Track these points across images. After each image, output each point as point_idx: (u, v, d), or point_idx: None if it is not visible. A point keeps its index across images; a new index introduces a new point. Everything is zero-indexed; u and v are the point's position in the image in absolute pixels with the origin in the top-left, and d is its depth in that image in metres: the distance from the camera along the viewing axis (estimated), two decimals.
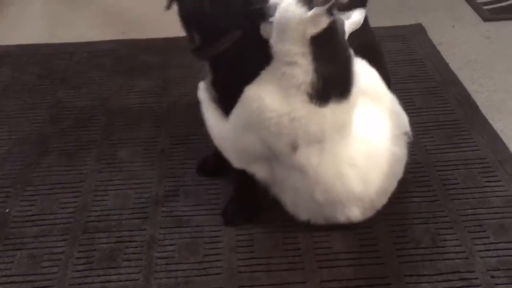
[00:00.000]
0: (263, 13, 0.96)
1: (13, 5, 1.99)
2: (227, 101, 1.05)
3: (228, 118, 1.06)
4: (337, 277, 1.02)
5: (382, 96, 1.15)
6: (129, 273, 1.03)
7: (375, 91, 1.12)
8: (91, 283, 1.01)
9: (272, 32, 0.97)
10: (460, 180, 1.22)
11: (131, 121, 1.43)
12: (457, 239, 1.08)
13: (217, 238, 1.10)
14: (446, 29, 1.77)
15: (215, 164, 1.25)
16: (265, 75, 1.00)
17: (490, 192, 1.18)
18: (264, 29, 0.99)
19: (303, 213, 1.09)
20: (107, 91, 1.53)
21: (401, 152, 1.11)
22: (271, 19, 0.96)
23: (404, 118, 1.16)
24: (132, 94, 1.52)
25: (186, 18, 1.02)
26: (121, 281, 1.02)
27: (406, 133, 1.13)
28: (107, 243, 1.09)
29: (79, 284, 1.01)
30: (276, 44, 0.97)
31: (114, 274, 1.03)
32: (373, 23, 1.69)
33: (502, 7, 1.88)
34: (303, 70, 0.95)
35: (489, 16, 1.82)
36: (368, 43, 1.21)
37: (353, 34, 1.09)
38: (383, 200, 1.11)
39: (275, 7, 0.95)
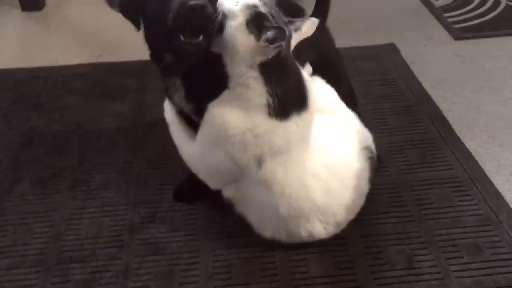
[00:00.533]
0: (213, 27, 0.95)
1: None
2: (203, 110, 1.04)
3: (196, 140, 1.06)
4: None
5: (339, 112, 1.16)
6: None
7: (331, 108, 1.14)
8: None
9: (222, 50, 0.97)
10: (435, 200, 1.23)
11: (107, 146, 1.41)
12: (432, 260, 1.09)
13: (193, 266, 1.09)
14: (418, 48, 1.81)
15: (191, 189, 1.25)
16: (226, 93, 1.00)
17: (464, 211, 1.20)
18: (214, 45, 0.97)
19: (267, 230, 1.09)
20: (82, 116, 1.52)
21: (363, 167, 1.12)
22: (220, 36, 0.95)
23: (365, 133, 1.18)
24: (108, 119, 1.51)
25: (157, 41, 1.01)
26: None
27: (367, 148, 1.14)
28: (81, 274, 1.07)
29: None
30: (228, 64, 0.98)
31: None
32: (346, 43, 1.74)
33: (472, 25, 1.92)
34: (256, 93, 0.97)
35: (460, 35, 1.87)
36: (326, 56, 1.23)
37: (309, 47, 1.11)
38: (348, 217, 1.11)
39: (223, 21, 0.94)
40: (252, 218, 1.10)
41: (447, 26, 1.92)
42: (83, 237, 1.15)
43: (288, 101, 0.99)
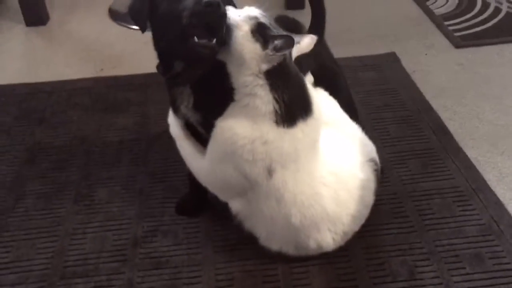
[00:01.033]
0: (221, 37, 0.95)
1: None
2: (213, 119, 1.04)
3: (205, 153, 1.07)
4: None
5: (343, 124, 1.18)
6: None
7: (335, 120, 1.15)
8: None
9: (228, 59, 0.98)
10: (436, 210, 1.23)
11: (110, 160, 1.43)
12: (434, 271, 1.10)
13: (196, 279, 1.10)
14: (419, 57, 1.81)
15: (193, 203, 1.26)
16: (232, 106, 1.02)
17: (465, 221, 1.20)
18: (221, 54, 0.98)
19: (276, 243, 1.10)
20: (86, 130, 1.54)
21: (368, 178, 1.13)
22: (227, 45, 0.96)
23: (369, 145, 1.19)
24: (111, 132, 1.53)
25: (168, 46, 1.00)
26: None
27: (372, 160, 1.15)
28: None
29: None
30: (234, 74, 0.99)
31: None
32: (346, 53, 1.75)
33: (472, 33, 1.92)
34: (263, 100, 0.98)
35: (460, 43, 1.87)
36: (325, 68, 1.24)
37: (310, 57, 1.12)
38: (354, 227, 1.12)
39: (230, 30, 0.95)
40: (261, 231, 1.10)
41: (447, 34, 1.92)
42: (87, 251, 1.16)
43: (294, 108, 1.01)
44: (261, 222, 1.08)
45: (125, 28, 2.09)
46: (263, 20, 0.97)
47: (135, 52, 1.92)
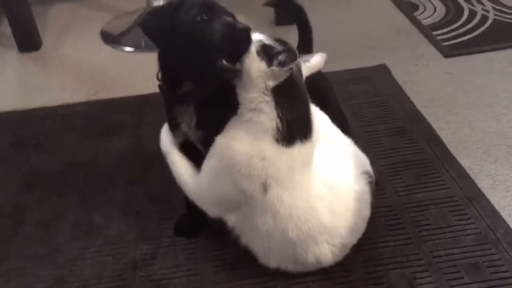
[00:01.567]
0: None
1: None
2: (214, 136, 1.05)
3: (201, 170, 1.08)
4: None
5: (335, 139, 1.19)
6: None
7: (326, 134, 1.16)
8: None
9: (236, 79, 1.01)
10: (432, 221, 1.24)
11: (107, 183, 1.43)
12: (433, 282, 1.10)
13: None
14: (409, 68, 1.83)
15: (191, 224, 1.26)
16: (232, 122, 1.04)
17: (461, 230, 1.21)
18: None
19: (273, 260, 1.11)
20: (82, 154, 1.55)
21: (363, 190, 1.14)
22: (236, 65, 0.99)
23: (362, 158, 1.21)
24: (107, 155, 1.54)
25: (185, 68, 1.01)
26: None
27: (366, 172, 1.16)
28: None
29: None
30: (241, 91, 1.01)
31: None
32: (337, 66, 1.77)
33: (461, 42, 1.95)
34: (268, 116, 1.01)
35: (449, 52, 1.89)
36: (314, 82, 1.26)
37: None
38: (352, 240, 1.13)
39: None
40: (258, 248, 1.11)
41: (436, 44, 1.95)
42: (87, 277, 1.17)
43: (295, 128, 1.03)
44: (257, 238, 1.09)
45: (117, 51, 2.11)
46: (267, 42, 1.01)
47: (128, 74, 1.94)
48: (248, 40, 0.97)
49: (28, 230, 1.30)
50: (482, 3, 2.21)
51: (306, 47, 1.25)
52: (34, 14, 2.13)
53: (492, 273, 1.11)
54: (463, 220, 1.24)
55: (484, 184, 1.33)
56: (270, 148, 1.01)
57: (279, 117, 1.00)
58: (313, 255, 1.08)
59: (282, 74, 0.98)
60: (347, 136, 1.22)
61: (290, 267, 1.11)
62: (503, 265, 1.12)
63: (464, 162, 1.41)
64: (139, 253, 1.22)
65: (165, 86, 1.08)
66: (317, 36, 2.00)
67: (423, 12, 2.18)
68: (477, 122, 1.56)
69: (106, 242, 1.25)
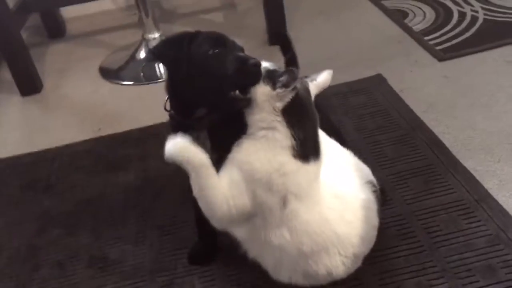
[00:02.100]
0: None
1: None
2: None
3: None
4: None
5: (336, 152, 1.21)
6: None
7: (327, 149, 1.17)
8: None
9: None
10: (443, 226, 1.25)
11: (118, 218, 1.45)
12: None
13: None
14: (404, 75, 1.85)
15: (205, 251, 1.27)
16: (245, 140, 1.06)
17: (473, 233, 1.22)
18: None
19: (284, 273, 1.11)
20: (91, 192, 1.57)
21: (369, 199, 1.15)
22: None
23: (364, 169, 1.23)
24: (116, 191, 1.56)
25: (199, 97, 1.04)
26: None
27: (369, 182, 1.18)
28: None
29: None
30: (251, 115, 1.05)
31: None
32: (334, 80, 1.74)
33: (453, 45, 1.97)
34: (282, 135, 1.04)
35: (443, 56, 1.91)
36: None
37: None
38: (364, 249, 1.13)
39: None
40: (269, 261, 1.11)
41: (429, 49, 1.97)
42: None
43: (308, 146, 1.06)
44: (268, 251, 1.10)
45: (117, 85, 2.15)
46: (271, 67, 1.05)
47: (129, 108, 1.97)
48: (259, 74, 1.02)
49: (44, 272, 1.32)
50: (470, 4, 2.24)
51: (293, 64, 1.29)
52: (32, 57, 2.18)
53: (507, 273, 1.11)
54: (473, 223, 1.24)
55: (490, 184, 1.34)
56: (289, 164, 1.03)
57: (293, 136, 1.03)
58: (324, 267, 1.09)
59: (287, 94, 1.02)
60: (345, 148, 1.24)
61: (301, 280, 1.11)
62: None
63: (469, 164, 1.42)
64: (156, 285, 1.23)
65: (176, 114, 1.10)
66: (311, 52, 2.04)
67: (413, 18, 2.21)
68: (477, 123, 1.57)
69: (122, 278, 1.26)
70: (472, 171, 1.39)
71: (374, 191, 1.17)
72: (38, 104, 2.10)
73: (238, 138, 1.07)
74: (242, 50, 1.08)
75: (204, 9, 2.68)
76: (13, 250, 1.41)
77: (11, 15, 2.11)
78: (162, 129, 1.76)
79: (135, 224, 1.42)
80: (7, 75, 2.18)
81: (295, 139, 1.03)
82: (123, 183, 1.58)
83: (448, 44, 1.98)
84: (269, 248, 1.09)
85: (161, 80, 2.12)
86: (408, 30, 2.13)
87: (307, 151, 1.05)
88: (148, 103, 1.98)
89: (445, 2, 2.30)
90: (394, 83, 1.81)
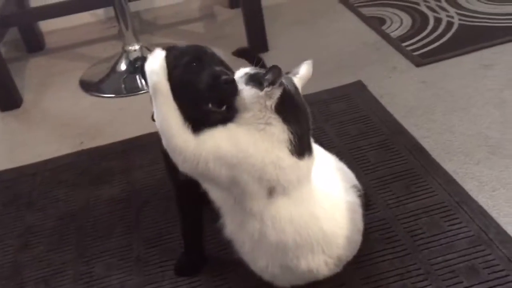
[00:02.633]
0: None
1: None
2: None
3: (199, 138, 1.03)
4: None
5: (321, 155, 1.22)
6: None
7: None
8: None
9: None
10: (425, 229, 1.27)
11: (103, 232, 1.44)
12: None
13: None
14: (384, 81, 1.88)
15: (191, 262, 1.27)
16: (244, 124, 1.04)
17: (455, 235, 1.24)
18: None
19: (261, 262, 1.09)
20: (74, 206, 1.55)
21: (355, 201, 1.17)
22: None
23: (349, 173, 1.24)
24: (100, 205, 1.55)
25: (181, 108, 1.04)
26: None
27: (354, 186, 1.20)
28: None
29: None
30: (243, 114, 1.04)
31: None
32: (314, 88, 1.82)
33: (430, 50, 2.01)
34: (279, 129, 1.04)
35: (420, 61, 1.95)
36: None
37: None
38: (348, 253, 1.14)
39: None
40: (245, 244, 1.09)
41: (407, 55, 2.01)
42: None
43: (303, 141, 1.07)
44: (245, 232, 1.07)
45: (98, 98, 2.14)
46: (252, 71, 1.06)
47: (111, 120, 1.97)
48: (232, 90, 1.02)
49: None
50: (445, 10, 2.29)
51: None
52: (11, 71, 2.16)
53: (489, 273, 1.13)
54: (455, 224, 1.27)
55: (470, 186, 1.37)
56: (286, 159, 1.04)
57: (290, 130, 1.04)
58: (305, 263, 1.08)
59: (275, 91, 1.02)
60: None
61: (278, 272, 1.09)
62: (498, 264, 1.15)
63: (449, 167, 1.44)
64: None
65: None
66: (290, 60, 2.04)
67: (390, 25, 2.25)
68: (455, 126, 1.60)
69: None
70: (452, 174, 1.42)
71: (359, 196, 1.19)
72: (18, 119, 2.08)
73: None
74: (221, 62, 1.08)
75: (184, 20, 2.69)
76: None
77: None
78: (145, 141, 1.77)
79: (120, 237, 1.42)
80: None
81: (292, 134, 1.04)
82: (107, 196, 1.57)
83: (425, 49, 2.02)
84: (247, 228, 1.07)
85: (142, 91, 2.12)
86: (386, 36, 2.17)
87: (303, 146, 1.06)
88: (130, 115, 1.98)
89: (421, 8, 2.35)
90: (374, 89, 1.84)
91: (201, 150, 1.01)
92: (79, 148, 1.82)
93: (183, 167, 1.04)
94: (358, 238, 1.17)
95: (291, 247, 1.06)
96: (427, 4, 2.38)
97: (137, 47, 2.23)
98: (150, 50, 2.28)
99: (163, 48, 1.08)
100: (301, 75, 1.14)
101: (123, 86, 2.19)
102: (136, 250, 1.37)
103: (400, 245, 1.24)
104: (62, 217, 1.52)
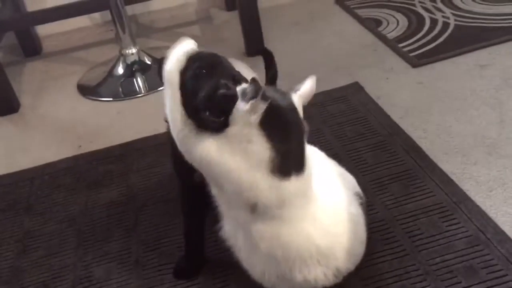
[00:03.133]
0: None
1: None
2: None
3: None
4: None
5: (322, 162, 1.20)
6: None
7: (314, 159, 1.15)
8: None
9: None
10: (424, 230, 1.27)
11: (102, 236, 1.44)
12: None
13: None
14: (381, 82, 1.89)
15: (190, 264, 1.28)
16: (227, 138, 1.01)
17: (453, 235, 1.24)
18: None
19: (258, 269, 1.08)
20: (73, 211, 1.56)
21: (358, 212, 1.15)
22: None
23: (351, 180, 1.22)
24: (98, 208, 1.55)
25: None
26: None
27: (357, 194, 1.18)
28: None
29: None
30: (231, 127, 1.00)
31: None
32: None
33: (426, 51, 2.02)
34: (260, 147, 0.99)
35: (417, 62, 1.96)
36: None
37: None
38: (349, 265, 1.11)
39: None
40: (242, 251, 1.09)
41: (403, 56, 2.01)
42: None
43: (290, 160, 1.01)
44: (241, 239, 1.07)
45: (96, 102, 2.14)
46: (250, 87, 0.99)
47: (109, 124, 1.97)
48: (227, 104, 0.99)
49: None
50: (441, 11, 2.30)
51: (272, 78, 1.32)
52: (8, 76, 2.16)
53: (487, 273, 1.14)
54: (453, 225, 1.27)
55: (467, 186, 1.38)
56: (264, 181, 1.00)
57: (272, 148, 0.99)
58: (301, 275, 1.06)
59: (260, 105, 0.97)
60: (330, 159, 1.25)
61: (274, 279, 1.08)
62: (497, 264, 1.16)
63: (446, 167, 1.45)
64: None
65: None
66: (288, 62, 2.06)
67: (386, 26, 2.26)
68: (452, 127, 1.61)
69: None
70: (449, 174, 1.42)
71: (361, 204, 1.17)
72: (16, 124, 2.08)
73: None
74: (232, 76, 1.06)
75: (180, 23, 2.69)
76: None
77: None
78: (143, 144, 1.78)
79: (119, 241, 1.42)
80: None
81: (276, 153, 0.99)
82: (105, 200, 1.57)
83: (422, 50, 2.03)
84: (241, 234, 1.06)
85: (140, 95, 2.12)
86: (382, 38, 2.17)
87: (289, 165, 1.01)
88: (128, 119, 1.98)
89: (417, 9, 2.36)
90: (371, 90, 1.85)
91: (196, 149, 1.02)
92: (77, 152, 1.82)
93: (187, 158, 1.06)
94: (361, 249, 1.14)
95: (281, 261, 1.04)
96: (423, 5, 2.39)
97: (134, 50, 2.23)
98: (147, 53, 2.30)
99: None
100: (302, 92, 1.08)
101: (120, 89, 2.19)
102: (135, 254, 1.37)
103: (398, 245, 1.25)
104: (61, 221, 1.52)
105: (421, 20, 2.26)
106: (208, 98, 1.01)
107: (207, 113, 1.01)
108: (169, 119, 1.08)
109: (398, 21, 2.29)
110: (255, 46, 2.17)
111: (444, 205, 1.33)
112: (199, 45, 1.12)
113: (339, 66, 2.05)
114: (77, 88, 2.25)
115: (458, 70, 1.88)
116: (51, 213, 1.56)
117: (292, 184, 1.02)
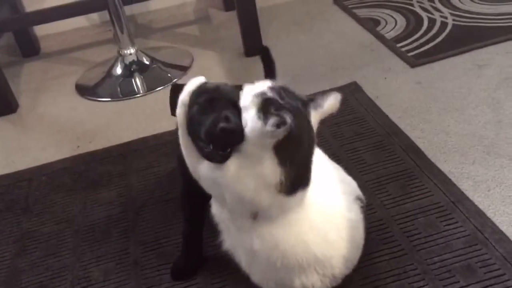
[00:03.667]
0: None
1: None
2: None
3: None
4: None
5: (324, 166, 1.19)
6: None
7: (316, 163, 1.14)
8: None
9: None
10: (422, 229, 1.27)
11: (100, 236, 1.44)
12: None
13: None
14: (379, 82, 1.89)
15: (187, 265, 1.27)
16: (242, 161, 0.98)
17: (451, 235, 1.24)
18: None
19: (256, 275, 1.09)
20: (71, 211, 1.55)
21: (357, 218, 1.14)
22: None
23: (352, 183, 1.22)
24: (97, 209, 1.55)
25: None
26: None
27: (358, 198, 1.17)
28: None
29: None
30: (245, 148, 0.97)
31: None
32: (310, 90, 1.83)
33: (425, 51, 2.02)
34: (270, 171, 0.96)
35: (415, 62, 1.96)
36: None
37: None
38: (345, 270, 1.11)
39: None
40: (242, 257, 1.09)
41: (402, 56, 2.02)
42: None
43: (298, 181, 1.00)
44: (240, 246, 1.08)
45: (94, 102, 2.14)
46: (270, 94, 0.96)
47: (107, 124, 1.97)
48: (228, 137, 0.96)
49: None
50: (439, 11, 2.30)
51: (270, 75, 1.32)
52: (6, 76, 2.16)
53: (485, 272, 1.14)
54: (451, 224, 1.27)
55: (465, 186, 1.38)
56: (269, 198, 0.98)
57: (283, 173, 0.96)
58: (299, 282, 1.06)
59: (280, 132, 0.92)
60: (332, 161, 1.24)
61: (273, 285, 1.09)
62: (494, 263, 1.16)
63: (444, 167, 1.45)
64: None
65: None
66: (286, 63, 2.06)
67: (385, 26, 2.26)
68: (450, 126, 1.61)
69: None
70: (447, 174, 1.42)
71: (362, 207, 1.16)
72: (14, 124, 2.08)
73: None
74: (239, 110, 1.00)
75: (179, 23, 2.70)
76: None
77: None
78: (141, 145, 1.78)
79: (117, 241, 1.42)
80: None
81: (285, 178, 0.96)
82: (104, 201, 1.57)
83: (420, 50, 2.03)
84: (242, 244, 1.06)
85: (138, 95, 2.12)
86: (380, 38, 2.17)
87: (296, 185, 0.99)
88: (126, 119, 1.98)
89: (415, 9, 2.36)
90: (369, 90, 1.85)
91: (203, 166, 1.02)
92: (76, 153, 1.82)
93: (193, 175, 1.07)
94: (357, 254, 1.14)
95: (280, 269, 1.04)
96: (421, 5, 2.39)
97: (132, 50, 2.24)
98: (145, 53, 2.30)
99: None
100: (324, 110, 1.03)
101: (119, 90, 2.19)
102: (133, 254, 1.37)
103: (396, 245, 1.25)
104: (59, 222, 1.52)
105: (419, 20, 2.26)
106: (207, 133, 0.98)
107: (211, 147, 0.97)
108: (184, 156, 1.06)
109: (396, 21, 2.29)
110: (253, 46, 2.17)
111: (442, 204, 1.33)
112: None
113: (337, 66, 2.05)
114: (75, 88, 2.25)
115: (456, 70, 1.88)
116: (49, 213, 1.56)
117: (297, 197, 1.01)
